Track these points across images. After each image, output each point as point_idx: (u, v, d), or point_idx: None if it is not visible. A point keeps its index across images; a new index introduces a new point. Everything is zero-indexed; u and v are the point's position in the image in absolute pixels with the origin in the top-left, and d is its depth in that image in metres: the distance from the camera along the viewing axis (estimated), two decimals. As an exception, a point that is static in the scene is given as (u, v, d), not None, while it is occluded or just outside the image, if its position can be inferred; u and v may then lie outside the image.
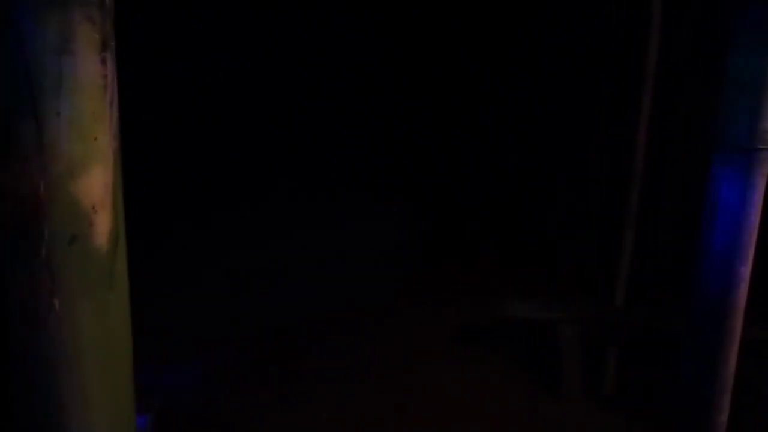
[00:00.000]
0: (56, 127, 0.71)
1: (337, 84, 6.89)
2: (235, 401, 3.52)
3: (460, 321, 4.50)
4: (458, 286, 5.03)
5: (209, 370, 3.80)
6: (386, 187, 6.62)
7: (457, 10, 6.53)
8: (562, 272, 5.18)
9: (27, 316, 0.80)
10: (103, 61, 0.73)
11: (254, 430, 3.30)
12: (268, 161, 6.61)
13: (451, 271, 5.31)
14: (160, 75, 6.18)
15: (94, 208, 0.76)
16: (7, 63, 0.68)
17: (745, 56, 0.79)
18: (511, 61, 6.44)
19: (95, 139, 0.75)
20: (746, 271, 0.84)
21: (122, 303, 0.84)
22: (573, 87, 5.79)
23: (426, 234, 5.97)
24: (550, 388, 3.75)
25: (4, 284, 0.80)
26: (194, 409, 3.43)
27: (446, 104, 6.95)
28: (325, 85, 6.88)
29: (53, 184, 0.73)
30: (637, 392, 3.67)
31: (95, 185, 0.75)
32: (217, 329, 4.28)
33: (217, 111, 6.69)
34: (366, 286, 4.96)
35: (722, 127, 0.84)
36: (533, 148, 6.45)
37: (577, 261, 5.20)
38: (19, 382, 0.85)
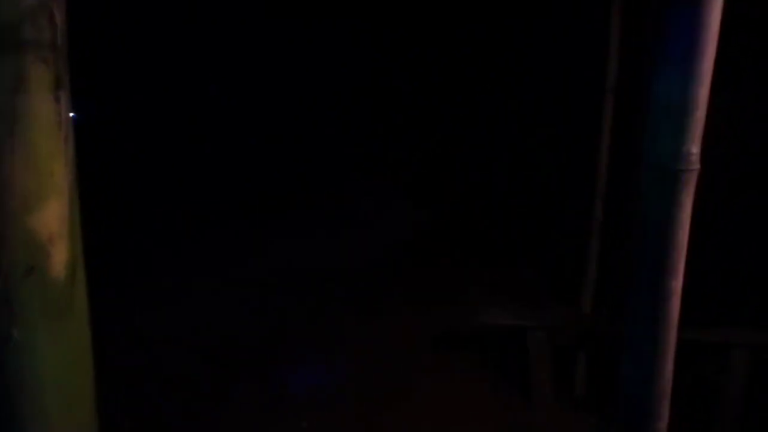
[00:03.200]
0: (11, 164, 0.74)
1: (329, 90, 6.93)
2: (214, 411, 3.52)
3: (435, 328, 4.55)
4: (431, 292, 5.08)
5: (183, 379, 3.81)
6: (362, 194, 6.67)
7: (441, 34, 6.63)
8: (532, 280, 5.27)
9: (-13, 345, 0.82)
10: (57, 99, 0.76)
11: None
12: (263, 167, 6.64)
13: (422, 277, 5.37)
14: (155, 84, 6.19)
15: (50, 239, 0.79)
16: (-39, 104, 0.71)
17: (668, 85, 0.85)
18: (485, 77, 6.55)
19: (51, 174, 0.78)
20: (677, 284, 0.89)
21: (82, 330, 0.87)
22: (543, 100, 5.91)
23: (397, 242, 6.01)
24: (523, 392, 3.81)
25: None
26: (169, 418, 3.43)
27: (418, 118, 7.03)
28: (319, 91, 6.92)
29: (9, 218, 0.76)
30: (606, 393, 3.74)
31: (51, 218, 0.78)
32: (196, 337, 4.29)
33: (211, 116, 6.70)
34: (341, 294, 5.00)
35: (648, 149, 0.90)
36: (503, 158, 6.55)
37: (545, 269, 5.29)
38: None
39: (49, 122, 0.76)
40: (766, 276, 3.97)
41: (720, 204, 4.10)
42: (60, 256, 0.80)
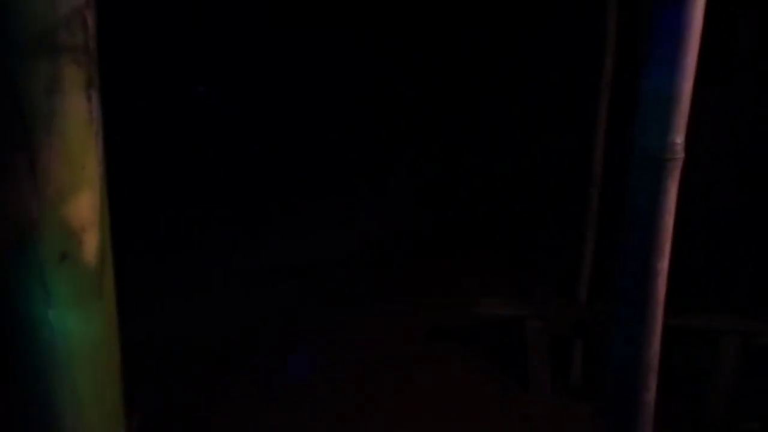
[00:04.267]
0: (48, 157, 0.80)
1: (333, 95, 6.98)
2: (211, 403, 3.58)
3: (432, 320, 4.61)
4: (428, 284, 5.14)
5: (184, 375, 3.87)
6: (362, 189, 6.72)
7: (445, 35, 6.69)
8: (528, 270, 5.34)
9: (23, 327, 0.88)
10: (89, 98, 0.82)
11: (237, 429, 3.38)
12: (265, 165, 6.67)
13: (420, 269, 5.44)
14: (158, 88, 6.23)
15: (83, 227, 0.85)
16: (4, 101, 0.77)
17: (655, 82, 0.91)
18: (485, 72, 6.61)
19: (83, 167, 0.84)
20: (663, 265, 0.96)
21: (110, 313, 0.93)
22: (541, 96, 5.98)
23: (398, 232, 6.08)
24: (520, 382, 3.87)
25: (1, 298, 0.89)
26: (178, 411, 3.49)
27: (418, 111, 7.09)
28: (322, 96, 6.97)
29: (46, 207, 0.82)
30: (602, 382, 3.82)
31: (84, 208, 0.84)
32: (194, 332, 4.35)
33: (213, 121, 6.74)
34: (339, 285, 5.05)
35: (637, 140, 0.96)
36: (500, 151, 6.62)
37: (541, 259, 5.37)
38: (16, 388, 0.93)
39: (81, 119, 0.82)
40: (755, 264, 4.06)
41: (712, 195, 4.19)
42: (91, 244, 0.86)
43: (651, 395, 1.02)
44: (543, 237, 5.63)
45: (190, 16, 6.42)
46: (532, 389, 3.82)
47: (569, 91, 5.19)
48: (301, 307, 4.74)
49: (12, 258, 0.83)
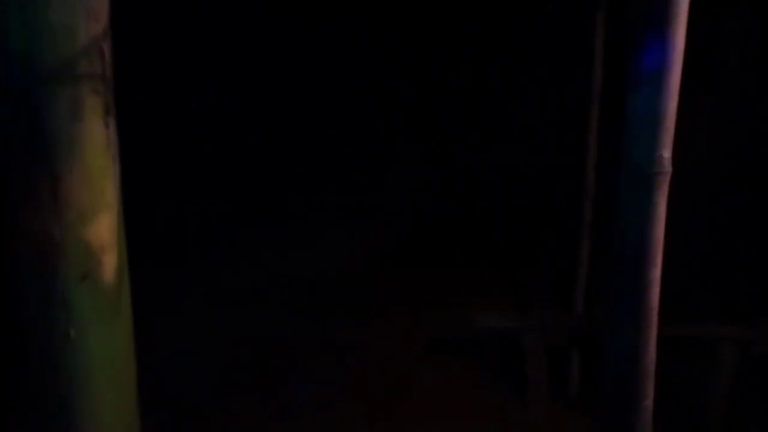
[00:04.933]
0: (69, 182, 0.85)
1: (329, 91, 7.00)
2: (216, 412, 3.59)
3: (430, 332, 4.64)
4: (425, 296, 5.17)
5: (187, 386, 3.88)
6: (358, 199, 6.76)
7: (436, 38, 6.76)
8: (524, 282, 5.38)
9: (44, 344, 0.92)
10: (107, 125, 0.87)
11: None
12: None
13: (416, 281, 5.47)
14: (155, 84, 6.24)
15: (102, 249, 0.89)
16: (27, 129, 0.81)
17: (643, 98, 0.96)
18: (480, 86, 6.69)
19: (102, 190, 0.88)
20: (655, 274, 1.00)
21: (128, 330, 0.97)
22: (534, 107, 6.07)
23: (394, 244, 6.10)
24: (518, 393, 3.90)
25: (23, 316, 0.93)
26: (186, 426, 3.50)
27: (412, 119, 7.13)
28: (319, 92, 6.99)
29: (67, 229, 0.86)
30: (599, 392, 3.85)
31: (103, 229, 0.89)
32: (198, 345, 4.36)
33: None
34: (337, 296, 5.08)
35: (626, 154, 1.01)
36: (494, 162, 6.68)
37: (537, 271, 5.41)
38: (35, 405, 0.97)
39: (100, 145, 0.86)
40: (752, 272, 4.11)
41: (707, 204, 4.24)
42: (110, 264, 0.90)
43: (649, 401, 1.06)
44: (538, 247, 5.68)
45: (187, 11, 6.45)
46: (530, 400, 3.84)
47: (562, 101, 5.26)
48: (300, 319, 4.76)
49: (35, 278, 0.87)
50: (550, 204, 5.73)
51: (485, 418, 3.74)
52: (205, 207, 6.25)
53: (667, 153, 0.99)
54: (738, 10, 4.04)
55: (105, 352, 0.93)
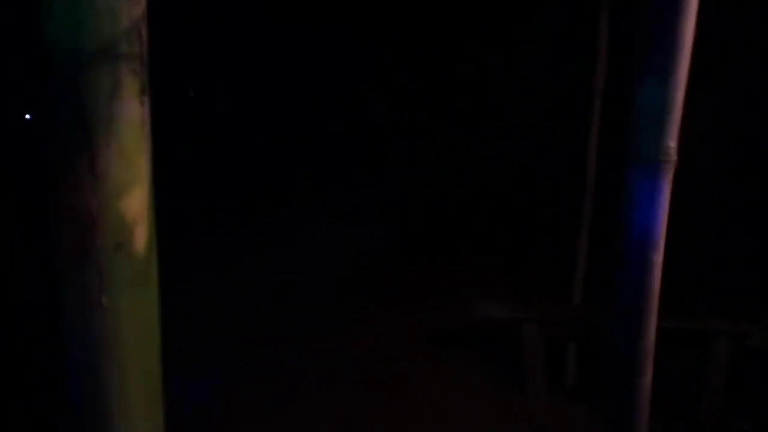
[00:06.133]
0: (107, 157, 0.89)
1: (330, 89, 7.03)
2: (222, 404, 3.64)
3: (433, 323, 4.70)
4: (427, 289, 5.23)
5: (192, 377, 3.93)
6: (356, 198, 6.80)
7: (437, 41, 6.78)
8: (524, 274, 5.44)
9: (78, 311, 0.97)
10: (142, 104, 0.91)
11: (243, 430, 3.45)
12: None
13: (423, 273, 5.53)
14: (161, 81, 6.26)
15: (135, 221, 0.94)
16: (70, 108, 0.86)
17: (650, 90, 1.01)
18: (485, 82, 6.72)
19: (136, 166, 0.93)
20: (658, 257, 1.05)
21: (155, 299, 1.02)
22: (537, 103, 6.10)
23: (397, 240, 6.16)
24: (516, 383, 3.96)
25: (58, 285, 0.98)
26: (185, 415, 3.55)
27: (413, 117, 7.17)
28: (322, 89, 7.02)
29: (103, 203, 0.91)
30: (596, 383, 3.91)
31: (136, 202, 0.93)
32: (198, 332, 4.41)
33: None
34: (340, 289, 5.13)
35: (634, 144, 1.06)
36: (497, 158, 6.72)
37: (537, 264, 5.46)
38: (69, 368, 1.02)
39: (136, 123, 0.91)
40: (746, 268, 4.16)
41: (704, 199, 4.29)
42: (142, 235, 0.95)
43: (648, 379, 1.12)
44: (538, 242, 5.73)
45: (193, 10, 6.48)
46: (528, 390, 3.90)
47: (565, 98, 5.30)
48: (303, 311, 4.82)
49: (71, 249, 0.92)
50: (550, 198, 5.79)
51: (482, 409, 3.80)
52: (211, 203, 6.31)
53: (672, 142, 1.04)
54: (744, 4, 4.08)
55: (135, 317, 0.98)
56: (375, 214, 6.45)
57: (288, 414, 3.60)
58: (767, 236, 4.11)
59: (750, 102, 4.13)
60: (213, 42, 6.57)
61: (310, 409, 3.65)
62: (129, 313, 0.98)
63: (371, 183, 6.86)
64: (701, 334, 3.68)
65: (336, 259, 5.65)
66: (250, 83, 6.97)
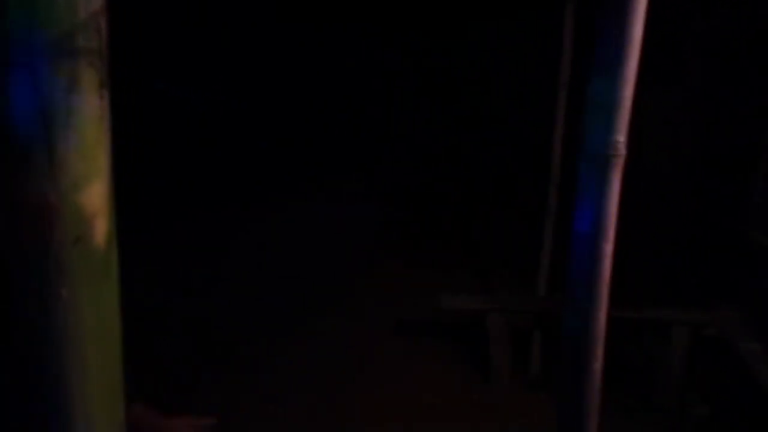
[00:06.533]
0: (65, 150, 0.90)
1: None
2: (192, 398, 3.63)
3: (398, 315, 4.74)
4: (394, 281, 5.26)
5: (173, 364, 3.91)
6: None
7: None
8: (490, 265, 5.50)
9: (38, 304, 0.97)
10: (102, 97, 0.92)
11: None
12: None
13: (386, 268, 5.56)
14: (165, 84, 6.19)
15: (94, 214, 0.94)
16: (29, 101, 0.86)
17: (599, 86, 1.05)
18: (452, 75, 6.76)
19: (95, 159, 0.93)
20: (609, 247, 1.09)
21: (114, 291, 1.03)
22: (504, 96, 6.16)
23: (362, 233, 6.18)
24: (483, 374, 4.02)
25: (16, 279, 0.98)
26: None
27: (386, 113, 7.20)
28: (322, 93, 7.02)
29: (62, 196, 0.92)
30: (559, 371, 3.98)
31: (95, 195, 0.94)
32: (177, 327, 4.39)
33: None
34: (308, 284, 5.14)
35: (586, 137, 1.10)
36: (464, 150, 6.77)
37: (505, 255, 5.53)
38: (27, 361, 1.02)
39: (95, 116, 0.91)
40: (703, 259, 4.28)
41: (660, 192, 4.40)
42: (101, 229, 0.95)
43: (599, 364, 1.16)
44: (505, 233, 5.81)
45: (198, 14, 6.42)
46: (493, 380, 3.97)
47: (532, 91, 5.37)
48: (277, 304, 4.81)
49: (30, 242, 0.92)
50: (517, 190, 5.86)
51: (448, 398, 3.85)
52: (206, 191, 6.27)
53: (621, 137, 1.08)
54: (702, 10, 4.18)
55: (95, 311, 0.98)
56: (338, 213, 6.47)
57: (252, 403, 3.61)
58: (722, 227, 4.22)
59: (706, 98, 4.24)
60: (217, 46, 6.52)
61: (274, 399, 3.66)
62: (89, 306, 0.99)
63: (331, 183, 6.88)
64: (661, 324, 3.78)
65: (305, 255, 5.65)
66: (254, 87, 6.93)
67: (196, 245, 5.61)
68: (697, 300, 3.96)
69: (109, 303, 1.06)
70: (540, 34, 5.03)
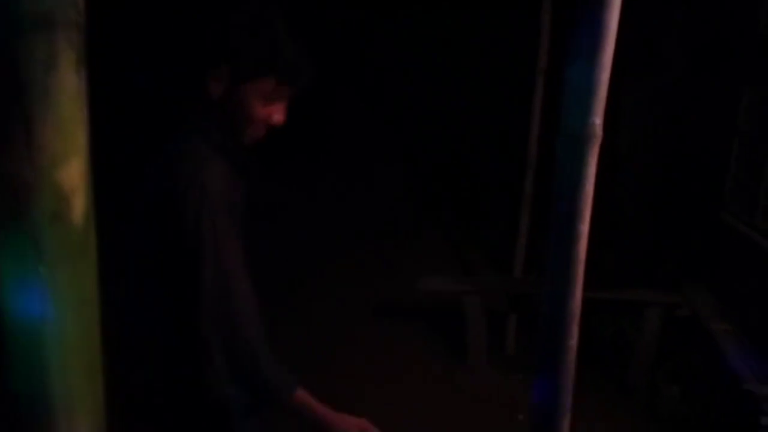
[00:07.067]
0: (42, 128, 0.89)
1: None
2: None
3: (379, 297, 4.75)
4: (371, 266, 5.28)
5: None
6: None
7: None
8: (468, 249, 5.54)
9: (15, 281, 0.97)
10: (79, 74, 0.91)
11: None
12: None
13: (367, 249, 5.57)
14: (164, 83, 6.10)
15: (72, 191, 0.94)
16: (6, 78, 0.85)
17: (577, 71, 1.06)
18: (432, 62, 6.75)
19: (73, 135, 0.93)
20: (584, 228, 1.10)
21: (93, 269, 1.02)
22: (482, 82, 6.16)
23: (348, 224, 6.17)
24: (460, 354, 4.06)
25: (-6, 256, 0.97)
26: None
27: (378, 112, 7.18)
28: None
29: (40, 172, 0.91)
30: (534, 352, 4.04)
31: (73, 173, 0.93)
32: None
33: None
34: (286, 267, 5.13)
35: (563, 120, 1.11)
36: (442, 134, 6.78)
37: (480, 238, 5.58)
38: (5, 339, 1.01)
39: (73, 93, 0.91)
40: (676, 242, 4.36)
41: (637, 178, 4.45)
42: (79, 206, 0.95)
43: (573, 342, 1.17)
44: (482, 216, 5.85)
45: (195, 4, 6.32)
46: (470, 360, 4.01)
47: (507, 71, 5.38)
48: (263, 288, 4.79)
49: (7, 219, 0.92)
50: (494, 173, 5.90)
51: (426, 379, 3.88)
52: None
53: (598, 120, 1.09)
54: (681, 4, 4.22)
55: (73, 288, 0.98)
56: (321, 195, 6.44)
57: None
58: (695, 211, 4.30)
59: (683, 86, 4.29)
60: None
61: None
62: (67, 283, 0.98)
63: (318, 169, 6.85)
64: (634, 305, 3.85)
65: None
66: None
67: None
68: (670, 281, 4.04)
69: (88, 281, 1.05)
70: (518, 21, 5.04)
